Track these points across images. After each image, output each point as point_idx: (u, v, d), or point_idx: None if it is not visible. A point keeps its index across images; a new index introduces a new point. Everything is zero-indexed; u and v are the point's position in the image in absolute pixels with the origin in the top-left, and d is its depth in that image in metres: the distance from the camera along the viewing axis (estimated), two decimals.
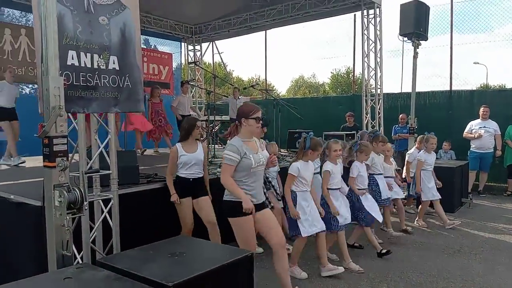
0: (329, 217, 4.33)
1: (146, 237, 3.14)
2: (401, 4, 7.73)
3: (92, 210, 3.57)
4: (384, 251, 4.74)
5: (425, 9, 7.83)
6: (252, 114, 3.31)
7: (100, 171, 3.56)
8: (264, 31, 11.50)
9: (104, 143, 3.51)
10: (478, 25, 9.62)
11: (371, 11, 8.13)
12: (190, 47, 11.61)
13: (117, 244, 3.51)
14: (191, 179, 4.35)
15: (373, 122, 8.32)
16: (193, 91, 10.07)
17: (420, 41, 7.97)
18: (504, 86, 17.24)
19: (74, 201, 2.54)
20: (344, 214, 4.45)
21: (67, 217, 2.52)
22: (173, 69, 11.37)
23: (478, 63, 26.58)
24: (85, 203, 2.60)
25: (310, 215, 4.04)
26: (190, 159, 4.33)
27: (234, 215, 3.29)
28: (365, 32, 8.01)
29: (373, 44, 8.11)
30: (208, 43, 11.96)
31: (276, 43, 63.28)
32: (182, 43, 11.54)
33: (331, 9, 8.59)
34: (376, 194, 5.16)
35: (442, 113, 9.38)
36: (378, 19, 8.11)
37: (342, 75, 40.55)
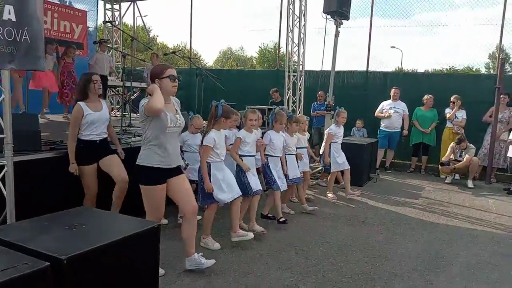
0: (244, 182, 4.37)
1: (47, 209, 2.85)
2: None
3: None
4: (282, 219, 4.94)
5: None
6: (164, 73, 3.18)
7: None
8: None
9: None
10: (398, 11, 10.08)
11: None
12: (108, 6, 10.79)
13: (12, 215, 3.21)
14: (98, 141, 4.10)
15: (294, 98, 8.47)
16: (109, 53, 9.40)
17: (342, 20, 8.21)
18: (416, 70, 18.52)
19: None
20: (256, 181, 4.51)
21: None
22: (89, 29, 10.54)
23: (394, 47, 28.30)
24: None
25: (225, 184, 4.01)
26: (96, 118, 4.03)
27: (147, 183, 3.22)
28: (291, 6, 8.02)
29: (298, 20, 8.16)
30: (128, 3, 11.23)
31: (204, 11, 61.56)
32: (99, 1, 10.70)
33: None
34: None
35: (359, 93, 9.84)
36: None
37: (270, 50, 40.79)
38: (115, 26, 9.72)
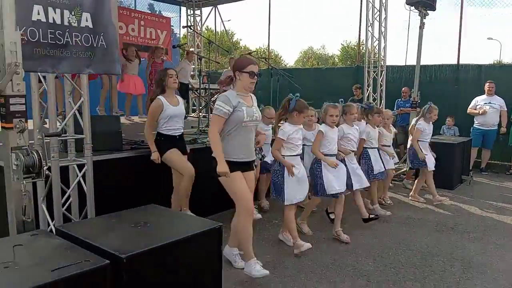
0: (319, 183, 4.19)
1: (125, 204, 2.93)
2: None
3: (68, 175, 3.45)
4: (372, 216, 4.75)
5: None
6: (246, 68, 3.16)
7: (75, 135, 3.43)
8: None
9: (77, 105, 3.33)
10: None
11: None
12: (190, 12, 11.21)
13: (92, 211, 3.38)
14: (177, 136, 4.17)
15: (374, 95, 8.03)
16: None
17: (428, 11, 7.59)
18: None
19: (32, 165, 2.39)
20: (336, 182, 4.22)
21: (24, 182, 2.37)
22: (175, 35, 11.05)
23: (492, 39, 25.80)
24: (44, 167, 2.45)
25: (299, 181, 3.88)
26: (175, 112, 4.11)
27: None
28: (370, 0, 7.62)
29: (378, 13, 7.72)
30: (210, 8, 11.56)
31: (285, 12, 61.81)
32: (182, 8, 11.15)
33: None
34: (368, 168, 4.98)
35: (448, 88, 9.03)
36: None
37: (353, 47, 39.68)
38: (193, 30, 10.04)
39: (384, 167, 5.29)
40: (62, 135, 3.30)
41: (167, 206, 3.27)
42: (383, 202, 5.68)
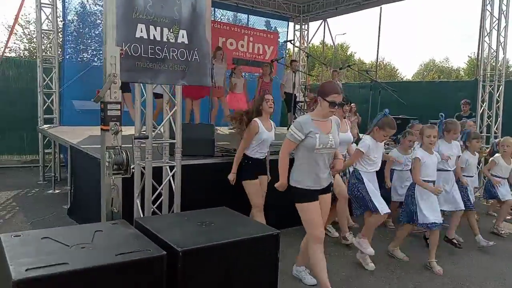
0: (411, 210, 3.99)
1: (208, 206, 3.15)
2: None
3: (161, 175, 3.84)
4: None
5: None
6: (328, 97, 3.04)
7: (168, 140, 3.80)
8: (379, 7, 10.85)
9: (171, 113, 3.70)
10: None
11: None
12: (297, 27, 11.47)
13: (178, 206, 3.70)
14: (263, 159, 4.29)
15: (489, 112, 7.26)
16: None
17: None
18: None
19: (121, 162, 2.75)
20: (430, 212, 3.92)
21: (113, 177, 2.74)
22: (281, 49, 11.40)
23: None
24: (131, 166, 2.80)
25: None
26: (268, 137, 4.18)
27: (299, 201, 3.16)
28: (488, 7, 6.93)
29: (496, 21, 6.99)
30: (319, 21, 11.68)
31: (404, 24, 59.06)
32: (290, 23, 11.46)
33: None
34: (465, 197, 4.51)
35: None
36: None
37: (491, 59, 36.06)
38: (293, 45, 10.24)
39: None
40: (157, 139, 3.71)
41: (243, 211, 3.41)
42: (497, 231, 5.10)
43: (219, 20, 10.61)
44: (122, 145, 2.84)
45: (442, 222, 3.98)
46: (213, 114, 8.04)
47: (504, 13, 7.02)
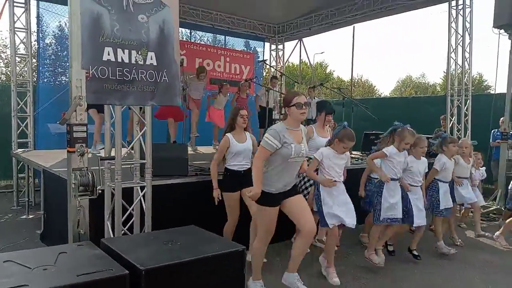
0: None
1: (180, 226, 3.16)
2: None
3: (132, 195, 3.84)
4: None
5: None
6: (292, 102, 3.27)
7: (139, 160, 3.82)
8: (352, 27, 11.19)
9: (140, 134, 3.73)
10: None
11: (460, 1, 7.32)
12: (273, 47, 11.70)
13: (149, 228, 3.70)
14: (242, 171, 4.29)
15: (458, 126, 7.50)
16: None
17: None
18: None
19: (87, 184, 2.76)
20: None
21: (79, 199, 2.75)
22: (258, 69, 11.59)
23: None
24: (98, 187, 2.81)
25: (339, 207, 3.91)
26: (241, 149, 4.26)
27: (261, 203, 3.33)
28: (452, 24, 7.25)
29: (461, 38, 7.30)
30: (295, 41, 11.91)
31: (382, 42, 60.68)
32: (266, 43, 11.69)
33: (416, 0, 7.94)
34: (434, 202, 4.67)
35: None
36: (468, 9, 7.28)
37: (458, 74, 37.15)
38: (267, 64, 10.46)
39: (454, 202, 4.95)
40: (127, 160, 3.73)
41: (217, 229, 3.43)
42: (454, 241, 5.20)
43: (198, 42, 10.76)
44: (94, 167, 2.87)
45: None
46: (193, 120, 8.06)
47: (468, 30, 7.33)
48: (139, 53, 3.61)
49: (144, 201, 3.74)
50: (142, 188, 3.79)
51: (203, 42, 10.92)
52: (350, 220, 3.87)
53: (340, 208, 3.88)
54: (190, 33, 10.67)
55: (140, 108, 3.96)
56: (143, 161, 3.74)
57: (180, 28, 7.98)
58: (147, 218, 3.71)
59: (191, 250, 2.48)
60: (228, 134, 4.31)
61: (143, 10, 3.63)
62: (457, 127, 7.53)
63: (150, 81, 3.66)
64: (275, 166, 3.31)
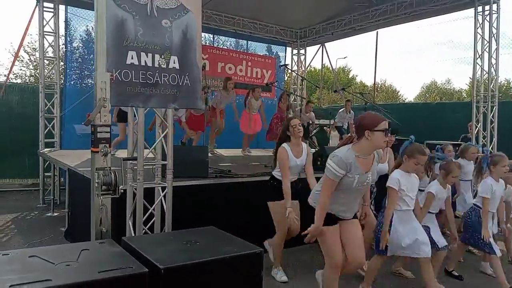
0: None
1: (199, 226, 3.17)
2: None
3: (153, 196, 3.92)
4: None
5: None
6: (378, 126, 2.76)
7: (160, 161, 3.89)
8: (375, 32, 11.11)
9: (162, 135, 3.81)
10: None
11: (487, 7, 7.19)
12: (295, 51, 11.73)
13: (169, 227, 3.76)
14: (294, 183, 4.05)
15: (484, 133, 7.33)
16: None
17: None
18: None
19: (110, 183, 2.84)
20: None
21: (101, 197, 2.82)
22: (279, 73, 11.63)
23: None
24: (120, 186, 2.89)
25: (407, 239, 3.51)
26: (294, 165, 4.00)
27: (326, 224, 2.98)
28: (478, 30, 7.12)
29: (488, 44, 7.16)
30: (317, 46, 11.91)
31: (406, 46, 59.86)
32: (288, 48, 11.73)
33: (441, 6, 7.84)
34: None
35: None
36: (494, 15, 7.13)
37: (484, 81, 36.29)
38: (289, 69, 10.48)
39: None
40: (149, 161, 3.80)
41: (235, 231, 3.46)
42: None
43: (220, 46, 10.89)
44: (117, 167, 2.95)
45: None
46: (212, 135, 8.16)
47: (495, 36, 7.19)
48: (162, 57, 3.69)
49: (165, 201, 3.81)
50: (163, 188, 3.87)
51: (225, 47, 11.04)
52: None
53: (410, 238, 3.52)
54: (213, 37, 10.80)
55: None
56: (165, 162, 3.82)
57: (203, 33, 8.13)
58: (168, 218, 3.77)
59: (210, 251, 2.50)
60: (285, 145, 4.03)
61: (167, 15, 3.72)
62: (482, 134, 7.36)
63: (172, 84, 3.74)
64: (338, 194, 2.95)
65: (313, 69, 27.36)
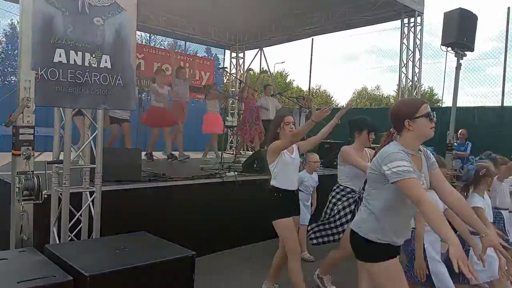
0: None
1: (130, 232, 3.08)
2: (444, 12, 7.29)
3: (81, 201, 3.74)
4: None
5: (471, 17, 7.30)
6: (419, 111, 2.27)
7: (89, 165, 3.73)
8: (310, 39, 11.51)
9: (91, 137, 3.66)
10: None
11: (412, 20, 7.75)
12: (234, 54, 11.82)
13: (97, 235, 3.61)
14: (295, 191, 3.62)
15: None
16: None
17: (466, 52, 7.45)
18: None
19: (32, 188, 2.68)
20: None
21: (22, 203, 2.65)
22: (218, 75, 11.65)
23: None
24: (44, 191, 2.73)
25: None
26: (290, 160, 3.57)
27: (376, 259, 2.31)
28: (404, 41, 7.65)
29: (412, 54, 7.71)
30: (256, 50, 12.06)
31: (341, 54, 62.51)
32: (226, 50, 11.78)
33: (372, 17, 8.31)
34: None
35: (491, 131, 8.62)
36: (418, 27, 7.70)
37: (409, 88, 38.86)
38: (227, 72, 10.56)
39: None
40: (77, 164, 3.64)
41: (166, 235, 3.39)
42: None
43: (157, 46, 10.67)
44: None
45: None
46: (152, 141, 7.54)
47: (418, 46, 7.74)
48: (93, 55, 3.54)
49: (93, 206, 3.66)
50: (91, 193, 3.71)
51: (162, 47, 10.85)
52: None
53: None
54: (150, 36, 10.58)
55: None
56: (93, 166, 3.67)
57: (138, 32, 7.88)
58: (96, 224, 3.62)
59: (140, 256, 2.45)
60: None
61: (99, 13, 3.58)
62: None
63: (103, 84, 3.60)
64: (390, 209, 2.28)
65: (252, 73, 27.71)
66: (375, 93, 44.32)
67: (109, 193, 3.96)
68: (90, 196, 3.70)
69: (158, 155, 7.83)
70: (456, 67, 7.32)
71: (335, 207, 3.79)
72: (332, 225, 3.82)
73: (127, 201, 4.33)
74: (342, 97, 70.46)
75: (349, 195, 3.75)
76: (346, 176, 3.79)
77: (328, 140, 7.97)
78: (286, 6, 8.73)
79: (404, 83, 7.87)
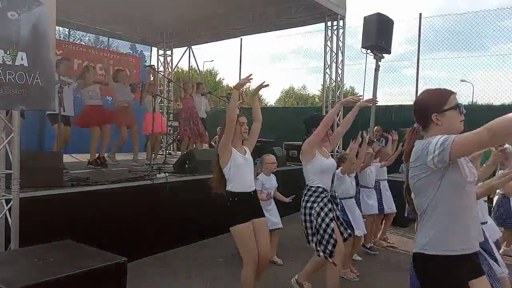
0: None
1: (54, 241, 2.85)
2: (364, 17, 7.75)
3: None
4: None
5: (388, 22, 7.84)
6: (447, 103, 2.00)
7: (5, 170, 3.45)
8: (239, 38, 11.59)
9: (6, 141, 3.38)
10: (466, 44, 9.80)
11: (335, 23, 8.14)
12: (161, 52, 11.54)
13: (16, 245, 3.35)
14: (251, 192, 3.40)
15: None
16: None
17: (384, 54, 7.99)
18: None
19: None
20: None
21: None
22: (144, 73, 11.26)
23: (465, 81, 26.77)
24: None
25: None
26: (243, 162, 3.39)
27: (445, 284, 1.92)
28: (328, 43, 8.00)
29: (335, 56, 8.10)
30: (184, 48, 11.86)
31: (269, 54, 63.73)
32: (153, 48, 11.47)
33: (298, 19, 8.59)
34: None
35: (409, 127, 9.32)
36: (341, 30, 8.11)
37: (332, 88, 40.71)
38: (153, 69, 10.27)
39: None
40: None
41: (95, 242, 3.22)
42: None
43: (77, 42, 10.07)
44: None
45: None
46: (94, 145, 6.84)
47: (341, 48, 8.14)
48: (8, 52, 3.28)
49: (10, 215, 3.39)
50: (7, 201, 3.43)
51: (83, 43, 10.27)
52: None
53: None
54: (69, 31, 9.96)
55: (7, 112, 3.57)
56: (10, 171, 3.39)
57: (58, 27, 7.37)
58: (14, 234, 3.36)
59: (65, 266, 2.31)
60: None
61: (14, 7, 3.32)
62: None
63: (19, 83, 3.35)
64: (449, 207, 1.93)
65: (180, 71, 27.22)
66: (301, 92, 45.87)
67: (27, 200, 3.68)
68: (7, 204, 3.42)
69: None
70: (375, 69, 7.82)
71: (313, 211, 3.49)
72: (321, 231, 3.47)
73: (48, 208, 4.04)
74: (270, 96, 72.03)
75: (322, 195, 3.53)
76: (313, 174, 3.58)
77: (258, 139, 8.13)
78: (210, 6, 8.71)
79: (328, 83, 8.23)
